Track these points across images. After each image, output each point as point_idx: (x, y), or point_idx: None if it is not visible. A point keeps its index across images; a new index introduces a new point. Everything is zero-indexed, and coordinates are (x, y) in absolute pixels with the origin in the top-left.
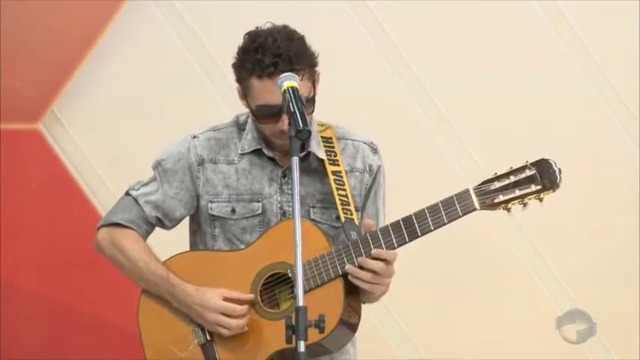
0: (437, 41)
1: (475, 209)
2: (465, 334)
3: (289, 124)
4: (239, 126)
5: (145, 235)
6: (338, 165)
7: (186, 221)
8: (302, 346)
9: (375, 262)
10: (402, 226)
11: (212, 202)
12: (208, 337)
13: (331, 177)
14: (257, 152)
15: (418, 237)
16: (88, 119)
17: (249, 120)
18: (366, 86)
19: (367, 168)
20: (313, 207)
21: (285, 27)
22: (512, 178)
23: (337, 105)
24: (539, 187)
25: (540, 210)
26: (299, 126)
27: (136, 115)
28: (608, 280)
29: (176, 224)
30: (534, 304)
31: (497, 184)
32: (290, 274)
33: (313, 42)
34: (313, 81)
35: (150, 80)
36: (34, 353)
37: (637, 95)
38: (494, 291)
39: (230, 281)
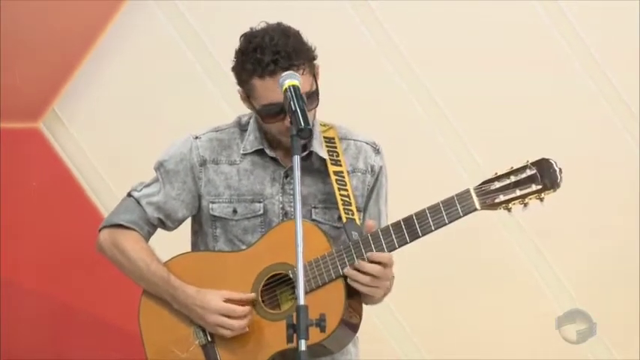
0: (438, 41)
1: (476, 209)
2: (466, 334)
3: (291, 122)
4: (241, 127)
5: (147, 236)
6: (340, 165)
7: (187, 222)
8: (303, 345)
9: (371, 265)
10: (403, 226)
11: (213, 202)
12: (209, 338)
13: (333, 177)
14: (259, 152)
15: (419, 237)
16: (88, 118)
17: (252, 121)
18: (367, 86)
19: (369, 168)
20: (315, 207)
21: (279, 24)
22: (513, 178)
23: (338, 105)
24: (539, 187)
25: (541, 210)
26: (300, 125)
27: (137, 115)
28: (609, 280)
29: (178, 225)
30: (536, 304)
31: (497, 184)
32: (291, 275)
33: (315, 42)
34: (314, 75)
35: (151, 79)
36: (34, 353)
37: (638, 95)
38: (495, 291)
39: (231, 282)
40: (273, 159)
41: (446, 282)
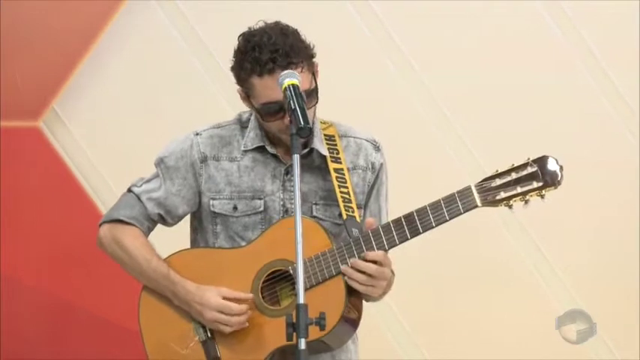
0: (439, 40)
1: (476, 206)
2: (467, 332)
3: (290, 121)
4: (242, 123)
5: (147, 232)
6: (340, 162)
7: (187, 218)
8: (303, 344)
9: (367, 264)
10: (404, 222)
11: (214, 199)
12: (209, 335)
13: (333, 174)
14: (260, 149)
15: (420, 234)
16: (88, 117)
17: (252, 118)
18: (368, 85)
19: (370, 166)
20: (316, 204)
21: (277, 23)
22: (514, 175)
23: (339, 103)
24: (540, 184)
25: (541, 209)
26: (300, 123)
27: (137, 114)
28: (609, 279)
29: (178, 221)
30: (537, 303)
31: (498, 181)
32: (291, 271)
33: (316, 41)
34: (313, 72)
35: (150, 78)
36: (34, 352)
37: (638, 93)
38: (495, 291)
39: (231, 278)
40: (274, 156)
41: (446, 281)
